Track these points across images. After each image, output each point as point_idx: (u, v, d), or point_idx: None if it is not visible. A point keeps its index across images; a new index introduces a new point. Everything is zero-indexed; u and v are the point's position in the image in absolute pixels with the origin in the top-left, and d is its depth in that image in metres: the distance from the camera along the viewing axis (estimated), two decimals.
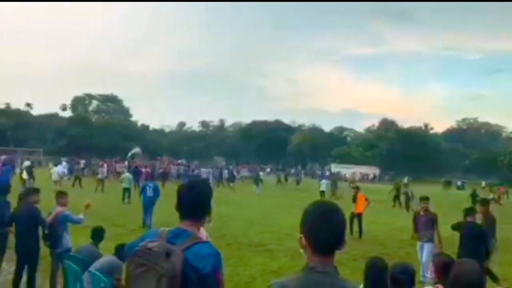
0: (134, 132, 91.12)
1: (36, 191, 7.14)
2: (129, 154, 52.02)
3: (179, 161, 62.12)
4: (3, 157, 37.35)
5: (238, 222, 16.76)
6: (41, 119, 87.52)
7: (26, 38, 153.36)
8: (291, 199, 27.53)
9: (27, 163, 29.95)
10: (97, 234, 6.74)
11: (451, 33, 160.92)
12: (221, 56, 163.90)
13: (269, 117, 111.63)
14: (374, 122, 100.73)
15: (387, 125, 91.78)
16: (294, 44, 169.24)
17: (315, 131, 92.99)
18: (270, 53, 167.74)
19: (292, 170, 64.99)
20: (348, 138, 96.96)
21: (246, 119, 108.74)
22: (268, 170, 68.37)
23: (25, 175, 24.90)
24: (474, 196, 24.78)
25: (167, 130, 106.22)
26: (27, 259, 6.79)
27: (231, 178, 38.19)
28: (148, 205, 14.90)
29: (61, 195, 7.41)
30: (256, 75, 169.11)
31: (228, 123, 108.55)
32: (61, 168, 29.67)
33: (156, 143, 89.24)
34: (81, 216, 7.49)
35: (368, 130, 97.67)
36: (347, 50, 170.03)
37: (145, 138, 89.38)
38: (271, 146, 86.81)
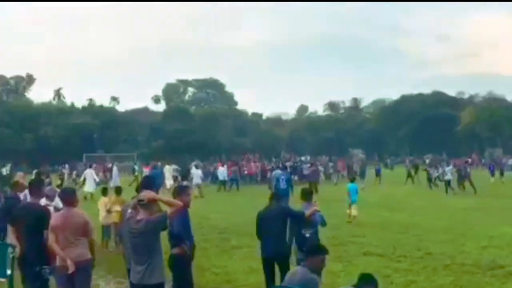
0: (244, 123, 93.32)
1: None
2: None
3: (303, 158, 61.55)
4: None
5: (435, 234, 15.74)
6: (130, 115, 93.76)
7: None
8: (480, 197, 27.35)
9: (174, 166, 37.02)
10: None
11: None
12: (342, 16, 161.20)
13: (423, 89, 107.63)
14: None
15: None
16: None
17: (495, 103, 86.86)
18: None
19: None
20: None
21: (390, 95, 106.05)
22: (427, 161, 63.45)
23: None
24: None
25: (284, 117, 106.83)
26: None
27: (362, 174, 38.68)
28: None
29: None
30: (394, 34, 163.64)
31: (365, 102, 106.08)
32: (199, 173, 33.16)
33: (273, 136, 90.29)
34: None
35: None
36: None
37: (259, 131, 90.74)
38: (430, 129, 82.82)
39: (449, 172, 31.81)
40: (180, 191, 7.32)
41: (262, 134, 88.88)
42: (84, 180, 29.83)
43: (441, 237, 15.21)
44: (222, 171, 36.80)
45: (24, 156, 65.09)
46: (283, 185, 20.87)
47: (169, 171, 35.56)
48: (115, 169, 38.79)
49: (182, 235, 7.18)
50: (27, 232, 7.41)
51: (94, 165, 41.28)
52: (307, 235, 8.01)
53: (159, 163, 41.26)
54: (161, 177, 31.55)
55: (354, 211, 18.42)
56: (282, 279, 7.53)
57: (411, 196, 29.13)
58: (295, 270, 6.45)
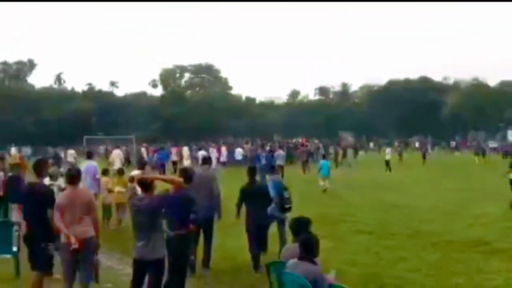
0: (238, 107, 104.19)
1: None
2: None
3: (294, 140, 64.24)
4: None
5: (423, 213, 17.46)
6: (129, 99, 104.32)
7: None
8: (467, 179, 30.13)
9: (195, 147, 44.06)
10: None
11: None
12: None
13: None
14: None
15: None
16: None
17: (479, 89, 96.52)
18: None
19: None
20: None
21: (379, 80, 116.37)
22: (417, 144, 75.95)
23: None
24: None
25: (277, 102, 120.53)
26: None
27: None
28: None
29: None
30: None
31: (354, 87, 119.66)
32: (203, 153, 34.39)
33: (266, 120, 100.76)
34: None
35: None
36: None
37: (252, 114, 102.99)
38: (417, 113, 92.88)
39: (389, 153, 39.07)
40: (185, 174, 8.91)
41: (256, 118, 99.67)
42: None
43: (429, 216, 16.77)
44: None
45: (25, 139, 71.96)
46: (263, 162, 27.18)
47: (186, 152, 38.18)
48: (116, 152, 33.81)
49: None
50: (32, 211, 8.22)
51: (124, 147, 45.07)
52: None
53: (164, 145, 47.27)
54: (167, 157, 38.15)
55: (327, 184, 23.55)
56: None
57: (401, 178, 32.04)
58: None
